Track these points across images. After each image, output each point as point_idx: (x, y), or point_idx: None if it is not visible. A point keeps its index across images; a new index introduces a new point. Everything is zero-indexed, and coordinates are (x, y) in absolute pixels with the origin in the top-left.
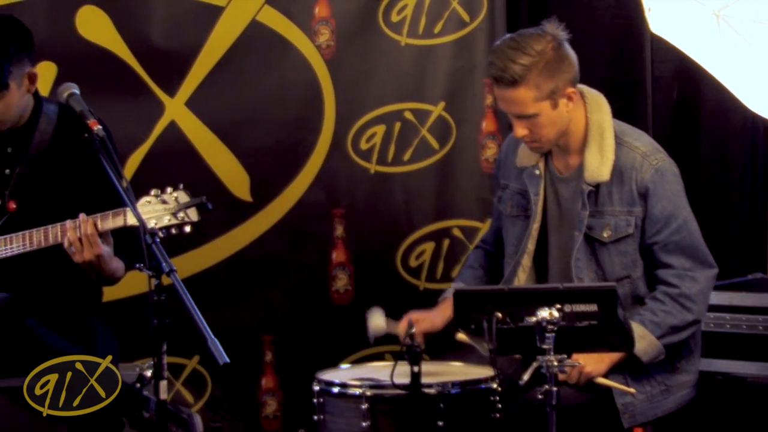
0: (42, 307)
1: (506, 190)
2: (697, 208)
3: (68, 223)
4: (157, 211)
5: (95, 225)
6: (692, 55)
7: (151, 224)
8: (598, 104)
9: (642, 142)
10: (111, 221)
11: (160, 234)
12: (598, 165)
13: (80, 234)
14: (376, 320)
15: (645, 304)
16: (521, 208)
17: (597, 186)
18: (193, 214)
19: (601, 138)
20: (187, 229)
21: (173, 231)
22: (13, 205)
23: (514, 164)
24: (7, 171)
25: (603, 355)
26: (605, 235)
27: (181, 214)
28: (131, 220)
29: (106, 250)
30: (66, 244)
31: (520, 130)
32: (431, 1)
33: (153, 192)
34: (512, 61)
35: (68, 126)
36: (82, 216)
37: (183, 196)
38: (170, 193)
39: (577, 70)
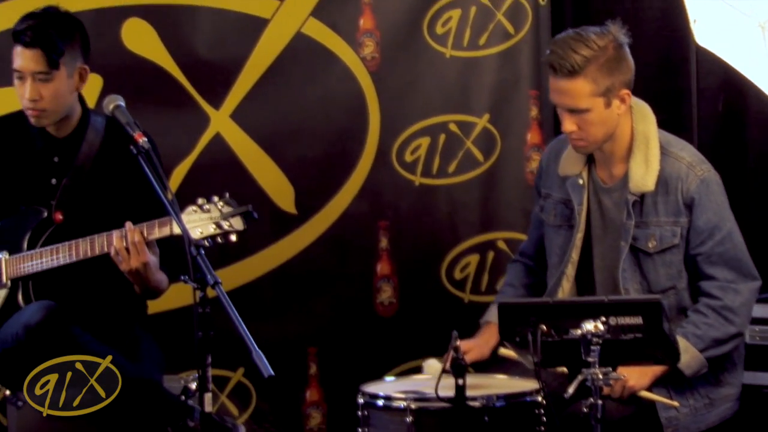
0: (87, 317)
1: (548, 200)
2: (742, 220)
3: (115, 232)
4: (202, 220)
5: (142, 233)
6: (738, 66)
7: (196, 233)
8: (644, 114)
9: (687, 152)
10: (157, 230)
11: (206, 243)
12: (643, 175)
13: (127, 242)
14: (432, 368)
15: (688, 316)
16: (564, 218)
17: (642, 196)
18: (238, 223)
19: (646, 148)
20: (233, 238)
21: (219, 240)
22: (59, 216)
23: (556, 173)
24: (54, 181)
25: (646, 368)
26: (650, 245)
27: (226, 223)
28: (177, 230)
29: (152, 259)
30: (113, 253)
31: (569, 125)
32: (476, 13)
33: (199, 201)
34: (573, 51)
35: (115, 138)
36: (128, 224)
37: (228, 205)
38: (216, 203)
39: (633, 75)
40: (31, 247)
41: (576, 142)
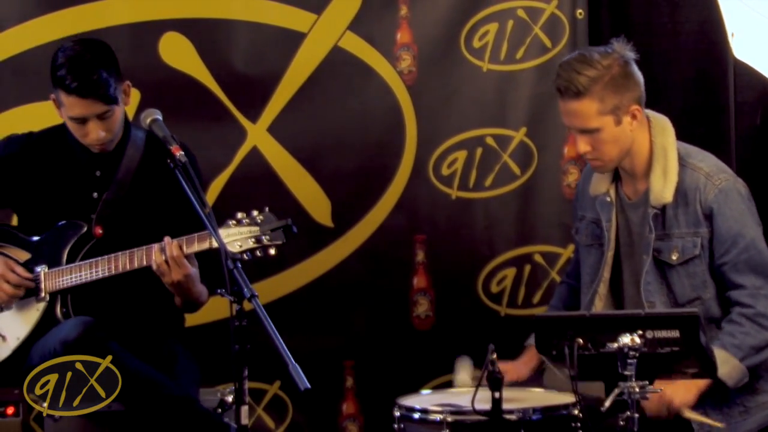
0: (124, 331)
1: (582, 221)
2: None
3: (155, 246)
4: (242, 233)
5: (180, 247)
6: None
7: (235, 247)
8: (663, 127)
9: (706, 163)
10: (196, 245)
11: (245, 257)
12: (662, 187)
13: (166, 256)
14: (463, 375)
15: (720, 326)
16: (595, 237)
17: (663, 209)
18: (278, 237)
19: (665, 160)
20: (272, 251)
21: (258, 254)
22: (99, 231)
23: (589, 194)
24: (95, 195)
25: (689, 383)
26: (673, 257)
27: (266, 237)
28: (216, 243)
29: (193, 271)
30: (154, 267)
31: (583, 146)
32: (513, 26)
33: (239, 215)
34: (578, 72)
35: (155, 152)
36: (167, 239)
37: (268, 219)
38: (255, 217)
39: (643, 91)
40: (70, 261)
41: (593, 162)
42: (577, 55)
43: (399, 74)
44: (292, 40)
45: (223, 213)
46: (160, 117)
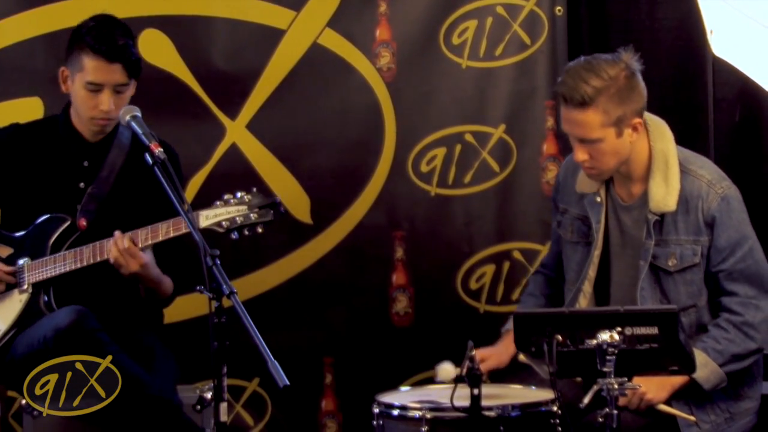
0: (105, 323)
1: (566, 215)
2: (760, 230)
3: (110, 240)
4: (229, 212)
5: (133, 240)
6: (755, 77)
7: (224, 225)
8: (662, 132)
9: (707, 170)
10: (150, 237)
11: (232, 236)
12: (664, 195)
13: (119, 249)
14: (445, 370)
15: (705, 333)
16: (582, 235)
17: (662, 215)
18: (266, 215)
19: (665, 167)
20: (260, 229)
21: (246, 232)
22: (83, 223)
23: (574, 189)
24: (82, 185)
25: (664, 380)
26: (671, 264)
27: (254, 215)
28: (162, 237)
29: (148, 258)
30: (111, 260)
31: (581, 155)
32: (492, 23)
33: (226, 196)
34: (584, 81)
35: (140, 149)
36: (117, 233)
37: (256, 198)
38: (243, 196)
39: (645, 102)
40: (54, 252)
41: (588, 171)
42: (584, 62)
43: (378, 71)
44: (271, 37)
45: (201, 209)
46: (139, 113)
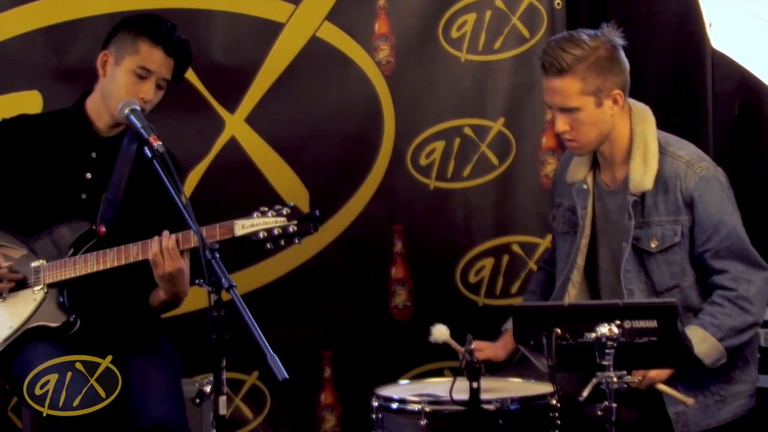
0: (117, 322)
1: (559, 208)
2: (759, 223)
3: (154, 238)
4: (267, 223)
5: (177, 241)
6: (754, 70)
7: (261, 235)
8: (644, 116)
9: (686, 151)
10: (192, 241)
11: (268, 246)
12: (642, 175)
13: (162, 247)
14: (439, 329)
15: (700, 311)
16: (571, 224)
17: (642, 196)
18: (306, 228)
19: (644, 148)
20: (297, 240)
21: (282, 242)
22: (103, 230)
23: (566, 181)
24: (89, 175)
25: None
26: (652, 245)
27: (292, 227)
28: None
29: (186, 269)
30: (150, 257)
31: (561, 125)
32: (491, 17)
33: (263, 208)
34: (563, 50)
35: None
36: (165, 232)
37: (294, 210)
38: (281, 208)
39: (628, 77)
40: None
41: (569, 143)
42: (566, 34)
43: (377, 64)
44: (270, 30)
45: (201, 203)
46: (138, 107)
